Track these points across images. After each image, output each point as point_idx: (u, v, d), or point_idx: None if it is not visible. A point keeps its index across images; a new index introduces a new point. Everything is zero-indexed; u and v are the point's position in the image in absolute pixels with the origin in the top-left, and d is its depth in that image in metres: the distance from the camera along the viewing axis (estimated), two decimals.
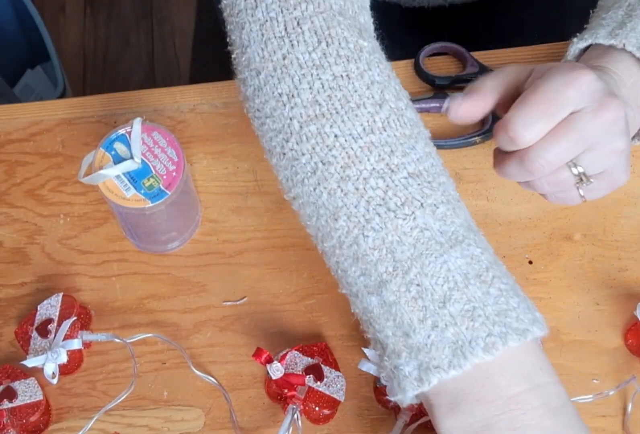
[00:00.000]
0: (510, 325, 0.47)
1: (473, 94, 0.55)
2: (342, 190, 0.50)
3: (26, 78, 1.52)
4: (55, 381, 0.64)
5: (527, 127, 0.51)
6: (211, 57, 0.78)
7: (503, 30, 0.91)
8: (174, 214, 0.67)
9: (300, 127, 0.51)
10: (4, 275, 0.71)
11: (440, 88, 0.75)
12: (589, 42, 0.61)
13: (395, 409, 0.64)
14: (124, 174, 0.63)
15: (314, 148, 0.51)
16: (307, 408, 0.63)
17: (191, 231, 0.71)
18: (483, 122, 0.73)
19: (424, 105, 0.73)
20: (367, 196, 0.49)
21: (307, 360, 0.64)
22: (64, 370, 0.67)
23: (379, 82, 0.52)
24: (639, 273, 0.69)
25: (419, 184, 0.50)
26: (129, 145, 0.64)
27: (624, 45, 0.59)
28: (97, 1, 1.78)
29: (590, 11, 0.69)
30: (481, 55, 0.75)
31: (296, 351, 0.64)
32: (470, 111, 0.55)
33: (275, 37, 0.53)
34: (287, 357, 0.64)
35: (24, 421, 0.64)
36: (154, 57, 1.74)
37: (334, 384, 0.63)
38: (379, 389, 0.65)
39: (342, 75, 0.51)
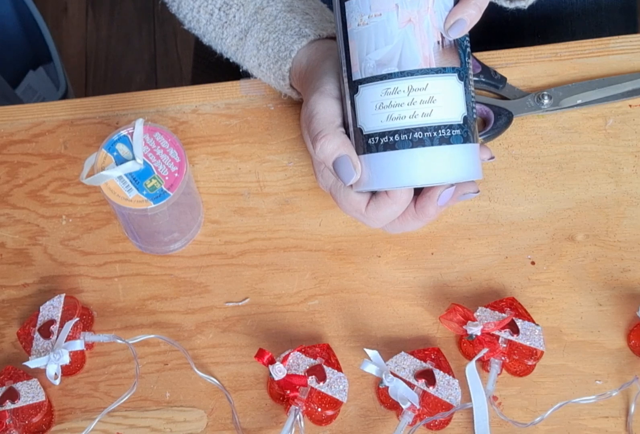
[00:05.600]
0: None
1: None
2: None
3: (28, 79, 1.52)
4: (57, 382, 0.64)
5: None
6: (213, 58, 0.78)
7: (503, 30, 0.91)
8: (176, 215, 0.67)
9: None
10: (7, 276, 0.71)
11: None
12: None
13: (398, 410, 0.64)
14: (126, 175, 0.63)
15: None
16: (309, 408, 0.63)
17: (193, 232, 0.71)
18: (485, 122, 0.73)
19: None
20: None
21: (310, 361, 0.64)
22: (67, 371, 0.67)
23: None
24: None
25: None
26: (131, 146, 0.64)
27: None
28: (99, 2, 1.79)
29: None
30: (483, 56, 0.75)
31: (298, 352, 0.64)
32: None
33: None
34: (289, 358, 0.64)
35: (27, 422, 0.64)
36: (156, 58, 1.74)
37: (336, 385, 0.63)
38: (381, 390, 0.65)
39: None
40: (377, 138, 0.57)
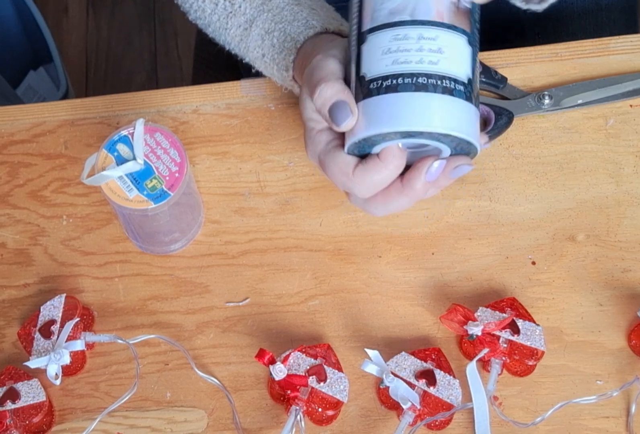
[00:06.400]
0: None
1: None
2: None
3: (29, 79, 1.52)
4: (58, 382, 0.64)
5: None
6: (213, 58, 0.78)
7: (503, 30, 0.91)
8: (176, 215, 0.67)
9: None
10: (7, 276, 0.71)
11: None
12: None
13: (399, 410, 0.64)
14: (126, 175, 0.63)
15: None
16: (310, 409, 0.63)
17: (194, 233, 0.71)
18: (485, 123, 0.73)
19: None
20: None
21: (310, 361, 0.64)
22: (67, 371, 0.67)
23: None
24: None
25: None
26: (131, 146, 0.64)
27: None
28: (99, 2, 1.79)
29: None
30: (483, 56, 0.75)
31: (299, 352, 0.64)
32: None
33: None
34: (289, 358, 0.64)
35: (27, 422, 0.64)
36: (156, 58, 1.74)
37: (336, 385, 0.63)
38: (382, 391, 0.65)
39: None
40: (380, 81, 0.55)
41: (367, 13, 0.57)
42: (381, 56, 0.56)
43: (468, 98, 0.56)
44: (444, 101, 0.55)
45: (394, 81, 0.55)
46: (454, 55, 0.56)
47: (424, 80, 0.55)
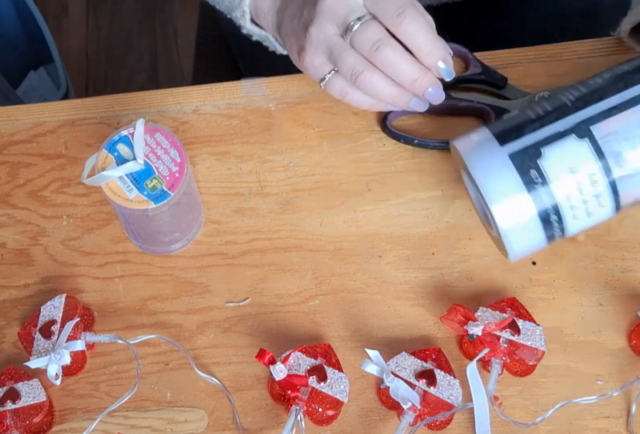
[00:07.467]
0: None
1: None
2: None
3: (29, 79, 1.52)
4: (58, 382, 0.64)
5: None
6: (214, 58, 0.79)
7: (504, 30, 0.91)
8: (176, 215, 0.67)
9: None
10: (7, 276, 0.71)
11: (443, 88, 0.75)
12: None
13: (399, 410, 0.64)
14: (126, 175, 0.63)
15: None
16: (310, 409, 0.63)
17: (194, 233, 0.71)
18: (485, 120, 0.73)
19: None
20: None
21: (311, 361, 0.64)
22: (67, 371, 0.67)
23: None
24: None
25: None
26: (131, 147, 0.64)
27: None
28: (100, 2, 1.79)
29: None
30: (484, 56, 0.75)
31: (299, 352, 0.64)
32: None
33: None
34: (290, 358, 0.64)
35: (27, 422, 0.64)
36: (156, 58, 1.74)
37: (337, 385, 0.63)
38: (382, 391, 0.65)
39: None
40: (536, 173, 0.55)
41: (613, 123, 0.55)
42: (564, 169, 0.55)
43: (545, 243, 0.58)
44: (536, 228, 0.57)
45: (536, 178, 0.55)
46: (587, 224, 0.57)
47: (553, 205, 0.55)
